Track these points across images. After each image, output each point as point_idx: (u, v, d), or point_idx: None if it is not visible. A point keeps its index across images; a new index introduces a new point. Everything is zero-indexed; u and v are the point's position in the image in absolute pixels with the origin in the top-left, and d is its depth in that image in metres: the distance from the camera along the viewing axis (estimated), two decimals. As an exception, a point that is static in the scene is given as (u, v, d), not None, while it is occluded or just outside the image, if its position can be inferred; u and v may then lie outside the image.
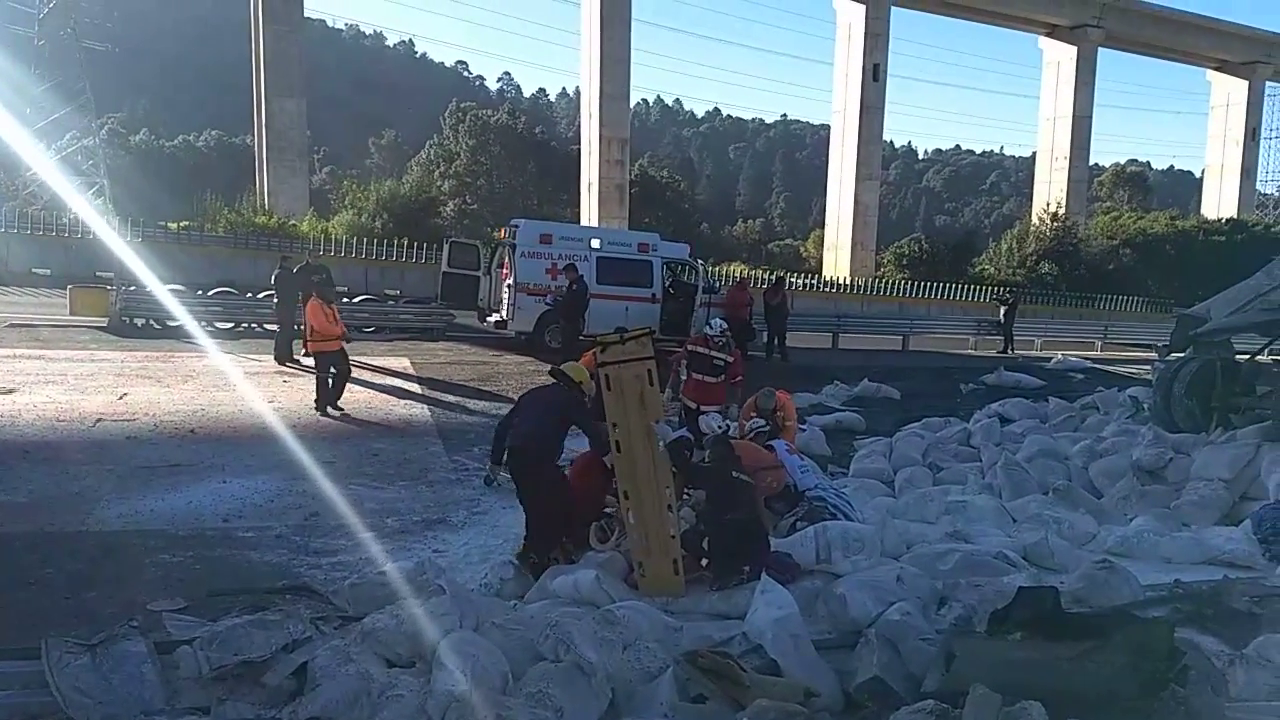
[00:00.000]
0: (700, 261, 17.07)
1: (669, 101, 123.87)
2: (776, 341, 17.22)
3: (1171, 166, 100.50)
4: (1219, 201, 49.41)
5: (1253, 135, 49.11)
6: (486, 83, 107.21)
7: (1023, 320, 23.55)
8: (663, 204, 48.77)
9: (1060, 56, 44.47)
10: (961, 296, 31.03)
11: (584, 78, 38.74)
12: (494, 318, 16.43)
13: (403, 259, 26.11)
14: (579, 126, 45.29)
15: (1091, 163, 50.18)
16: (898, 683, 4.02)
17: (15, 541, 5.90)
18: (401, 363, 13.68)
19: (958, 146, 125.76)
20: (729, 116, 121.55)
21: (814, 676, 4.08)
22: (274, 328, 14.09)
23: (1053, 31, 44.04)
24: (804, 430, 9.70)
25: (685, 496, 6.39)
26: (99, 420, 9.20)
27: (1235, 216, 44.99)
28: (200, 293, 16.20)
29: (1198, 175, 62.69)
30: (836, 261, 41.27)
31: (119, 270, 17.07)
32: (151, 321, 15.65)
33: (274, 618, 4.41)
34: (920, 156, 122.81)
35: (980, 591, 4.89)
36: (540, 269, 15.46)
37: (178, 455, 8.20)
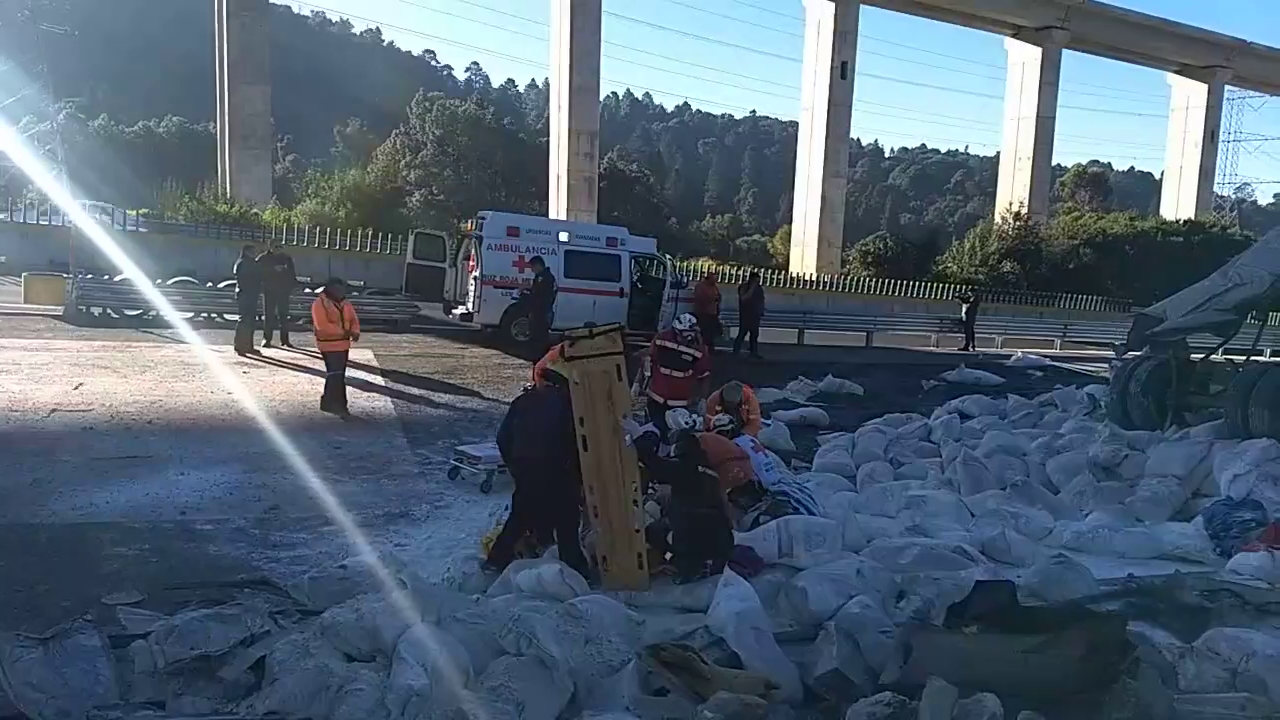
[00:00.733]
0: (668, 256, 17.09)
1: (639, 95, 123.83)
2: (748, 337, 17.33)
3: (1132, 168, 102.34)
4: (1177, 203, 50.38)
5: (1211, 138, 50.13)
6: (454, 73, 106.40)
7: (984, 318, 23.93)
8: (632, 198, 48.70)
9: (1025, 57, 45.03)
10: (925, 294, 31.39)
11: (553, 70, 38.52)
12: (460, 310, 16.34)
13: (367, 249, 25.81)
14: (548, 118, 45.07)
15: (1054, 163, 50.94)
16: (857, 675, 4.07)
17: (-34, 535, 5.77)
18: (365, 355, 13.53)
19: (924, 145, 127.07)
20: (699, 111, 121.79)
21: (774, 669, 4.12)
22: (235, 318, 13.88)
23: (1018, 32, 44.59)
24: (769, 425, 9.78)
25: (651, 491, 6.42)
26: (54, 411, 9.01)
27: (1193, 218, 45.90)
28: (159, 282, 15.89)
29: (1157, 177, 63.90)
30: (803, 258, 41.51)
31: (77, 258, 16.71)
32: (109, 310, 15.34)
33: (232, 611, 4.36)
34: (887, 154, 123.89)
35: (938, 585, 4.96)
36: (507, 261, 15.39)
37: (135, 447, 8.05)
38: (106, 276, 16.07)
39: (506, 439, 5.83)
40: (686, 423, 6.26)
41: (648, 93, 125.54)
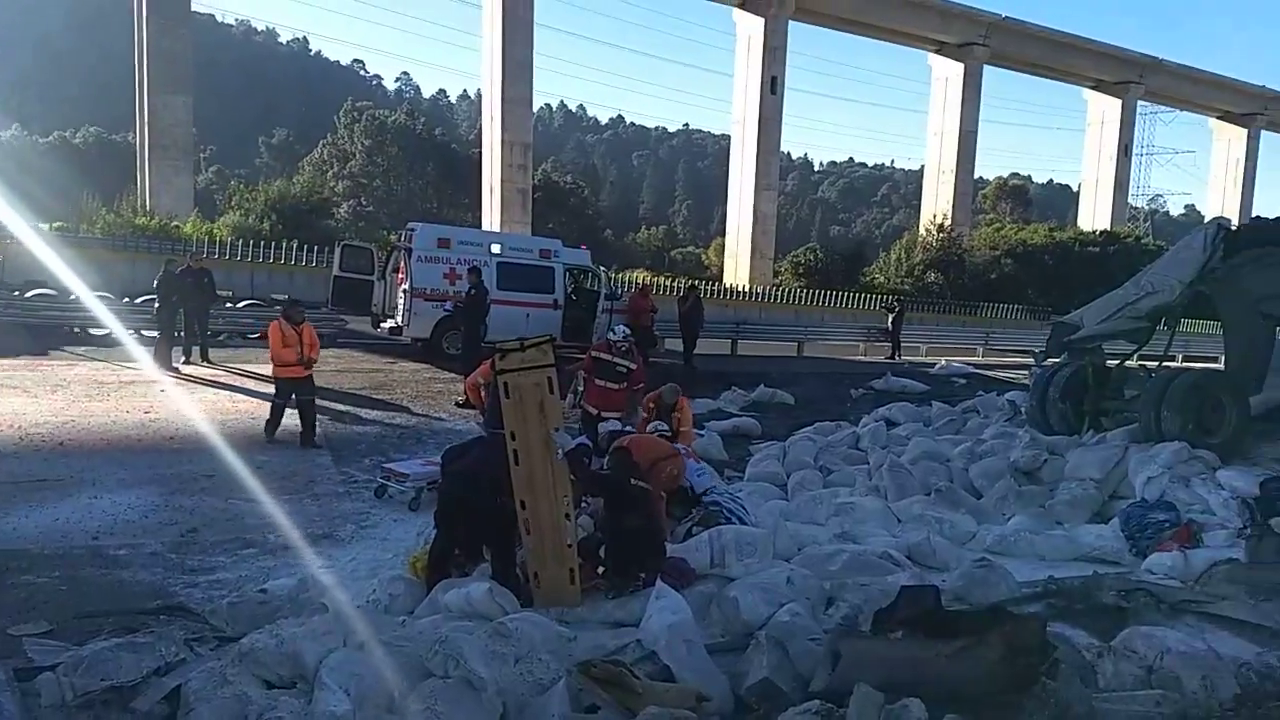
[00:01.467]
0: (603, 268, 17.09)
1: (572, 107, 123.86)
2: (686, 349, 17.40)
3: (1051, 180, 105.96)
4: (1094, 214, 52.40)
5: (1125, 151, 52.29)
6: (384, 82, 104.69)
7: (909, 327, 24.49)
8: (566, 210, 48.67)
9: (948, 73, 46.43)
10: (853, 304, 32.03)
11: (485, 81, 38.30)
12: (388, 324, 16.04)
13: (292, 262, 25.20)
14: (480, 129, 44.76)
15: (976, 175, 52.56)
16: (786, 683, 4.10)
17: None
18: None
19: (851, 159, 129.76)
20: (632, 124, 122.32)
21: (706, 680, 4.12)
22: (154, 334, 13.40)
23: (941, 49, 45.97)
24: (702, 435, 9.83)
25: (584, 504, 6.39)
26: (-47, 434, 8.56)
27: (1109, 229, 47.74)
28: (73, 297, 15.25)
29: (1075, 189, 66.40)
30: (737, 269, 42.00)
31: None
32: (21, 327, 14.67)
33: (145, 640, 4.20)
34: (817, 168, 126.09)
35: (866, 591, 5.04)
36: (438, 274, 15.19)
37: (44, 469, 7.70)
38: (15, 292, 15.41)
39: (452, 458, 5.77)
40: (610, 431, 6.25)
41: (581, 105, 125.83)
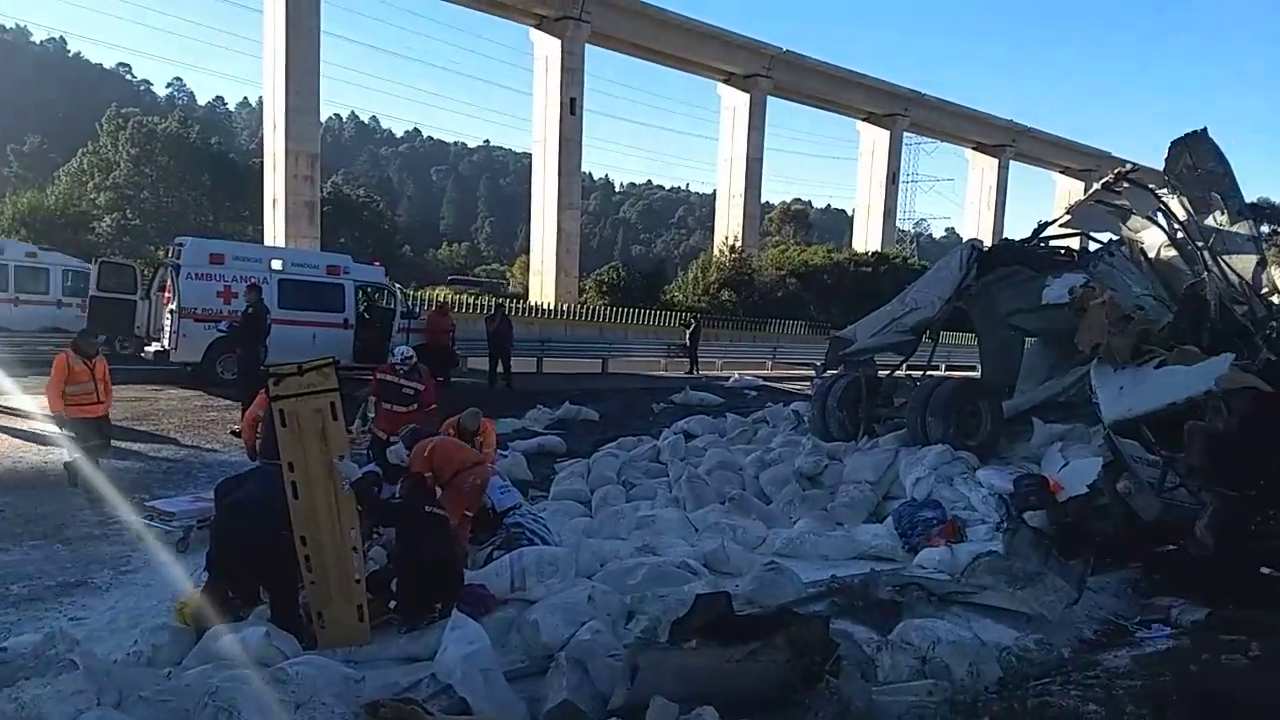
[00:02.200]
0: (398, 285, 16.48)
1: (365, 119, 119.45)
2: (500, 368, 17.02)
3: (829, 205, 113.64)
4: (866, 236, 56.73)
5: (893, 179, 56.99)
6: (154, 88, 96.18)
7: (706, 343, 25.44)
8: (360, 224, 46.81)
9: (736, 102, 48.87)
10: (655, 322, 32.85)
11: (267, 88, 36.08)
12: (154, 347, 14.65)
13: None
14: (262, 138, 42.15)
15: (763, 200, 55.62)
16: (587, 703, 4.05)
17: None
18: (38, 401, 11.73)
19: (649, 181, 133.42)
20: (430, 138, 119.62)
21: (504, 709, 4.01)
22: None
23: (729, 79, 48.32)
24: (506, 456, 9.65)
25: (376, 535, 6.06)
26: None
27: (880, 250, 51.92)
28: None
29: (849, 213, 71.63)
30: (542, 287, 41.98)
31: None
32: None
33: None
34: (618, 189, 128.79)
35: (664, 602, 5.09)
36: (210, 292, 14.06)
37: None
38: None
39: (226, 491, 5.28)
40: (401, 459, 5.97)
41: (375, 116, 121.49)
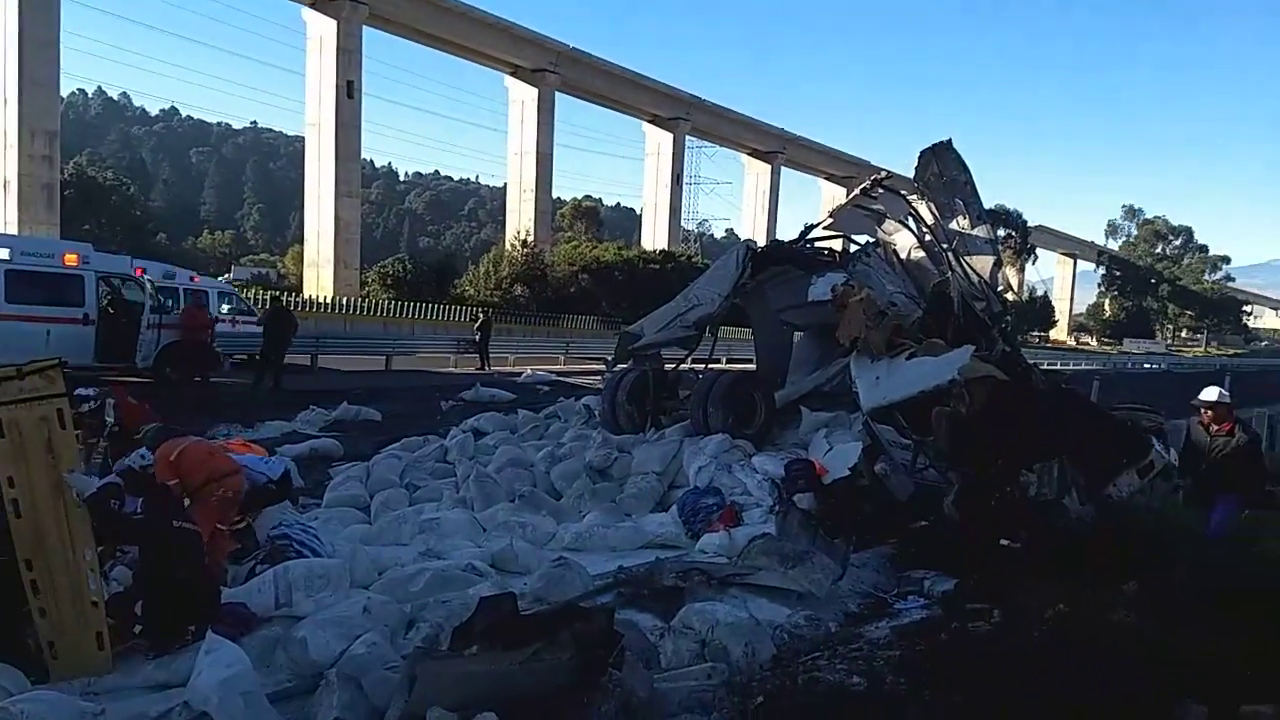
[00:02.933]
0: (148, 277, 14.92)
1: (114, 95, 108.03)
2: (270, 367, 15.71)
3: (619, 203, 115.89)
4: (654, 235, 58.51)
5: (677, 180, 59.06)
6: None
7: (498, 339, 25.12)
8: (108, 209, 42.29)
9: (524, 96, 48.68)
10: (444, 316, 32.07)
11: (-5, 58, 31.73)
12: None
13: None
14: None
15: (555, 195, 55.83)
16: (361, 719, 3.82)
17: None
18: None
19: (437, 172, 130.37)
20: (189, 118, 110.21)
21: (268, 735, 3.69)
22: None
23: (516, 72, 48.03)
24: (270, 462, 8.93)
25: (121, 553, 5.42)
26: None
27: (667, 248, 53.66)
28: None
29: (638, 212, 73.42)
30: (319, 279, 39.77)
31: None
32: None
33: None
34: (402, 178, 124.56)
35: (448, 607, 4.91)
36: None
37: None
38: None
39: None
40: (145, 463, 5.32)
41: (125, 93, 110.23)
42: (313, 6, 38.55)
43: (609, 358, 12.29)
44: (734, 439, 8.97)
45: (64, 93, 36.51)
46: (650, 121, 57.79)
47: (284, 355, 15.94)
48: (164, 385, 14.02)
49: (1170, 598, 4.82)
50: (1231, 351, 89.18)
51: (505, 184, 54.92)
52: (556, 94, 49.56)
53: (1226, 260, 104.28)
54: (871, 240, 11.15)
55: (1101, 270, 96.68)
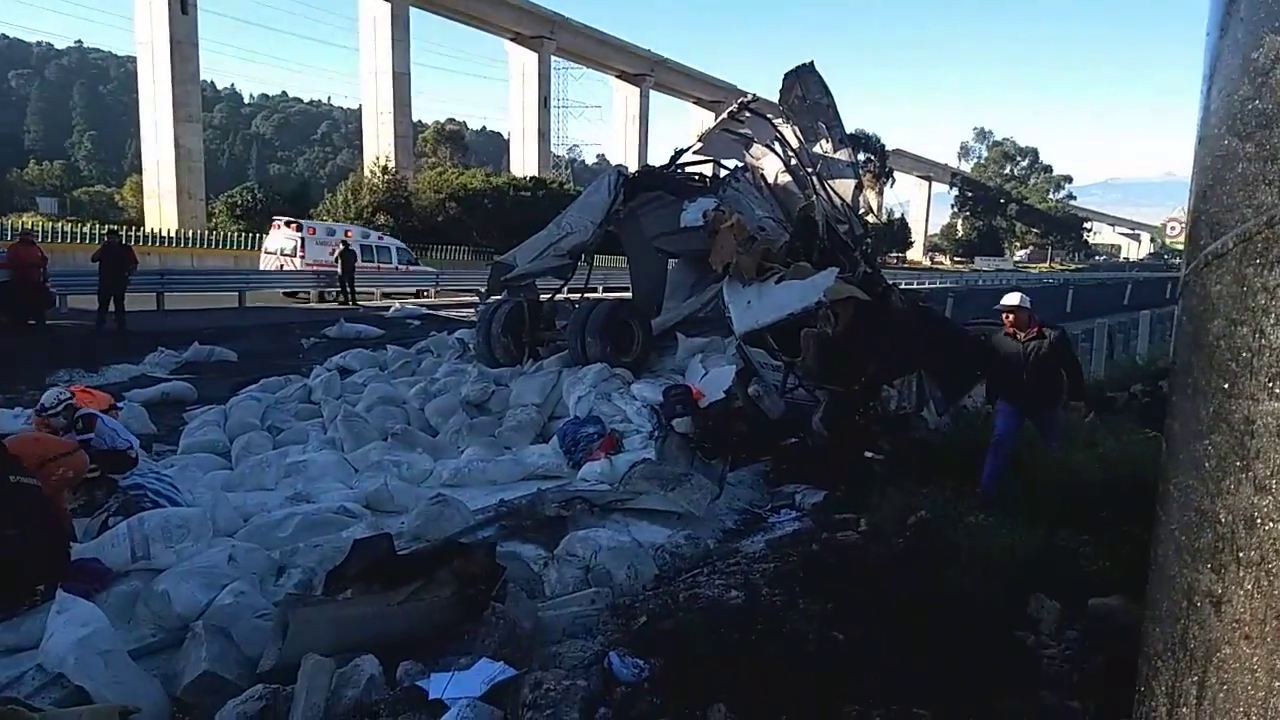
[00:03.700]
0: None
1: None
2: (111, 308, 14.42)
3: (484, 127, 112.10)
4: (524, 161, 56.99)
5: (544, 103, 57.41)
6: None
7: (363, 271, 24.04)
8: (-91, 138, 37.76)
9: (376, 13, 45.92)
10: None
11: None
12: None
13: None
14: None
15: (416, 119, 53.41)
16: (232, 671, 3.68)
17: None
18: None
19: (285, 93, 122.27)
20: (4, 36, 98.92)
21: (132, 691, 3.52)
22: None
23: (366, -14, 45.20)
24: (121, 408, 8.37)
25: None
26: None
27: (537, 175, 52.39)
28: None
29: (506, 136, 71.21)
30: (161, 212, 36.98)
31: None
32: None
33: None
34: (246, 101, 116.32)
35: (320, 551, 4.77)
36: None
37: None
38: None
39: None
40: None
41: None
42: (134, -91, 34.97)
43: (482, 289, 12.03)
44: (612, 368, 9.00)
45: None
46: (513, 39, 55.74)
47: (123, 293, 14.72)
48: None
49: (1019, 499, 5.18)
50: (1074, 266, 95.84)
51: (360, 106, 52.13)
52: (411, 9, 47.03)
53: (1069, 179, 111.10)
54: (740, 165, 11.21)
55: (954, 192, 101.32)
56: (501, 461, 7.45)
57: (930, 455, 6.61)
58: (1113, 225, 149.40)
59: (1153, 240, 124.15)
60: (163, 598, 4.19)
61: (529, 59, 56.06)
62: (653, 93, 67.37)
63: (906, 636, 3.48)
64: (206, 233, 32.41)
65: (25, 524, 4.27)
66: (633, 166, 17.92)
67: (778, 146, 10.81)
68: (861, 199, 11.01)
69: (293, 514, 5.44)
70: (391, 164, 43.47)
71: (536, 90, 56.18)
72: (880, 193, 73.07)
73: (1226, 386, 1.66)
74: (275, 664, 3.55)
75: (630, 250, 12.38)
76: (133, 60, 45.63)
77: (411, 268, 27.10)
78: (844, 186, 10.62)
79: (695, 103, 72.28)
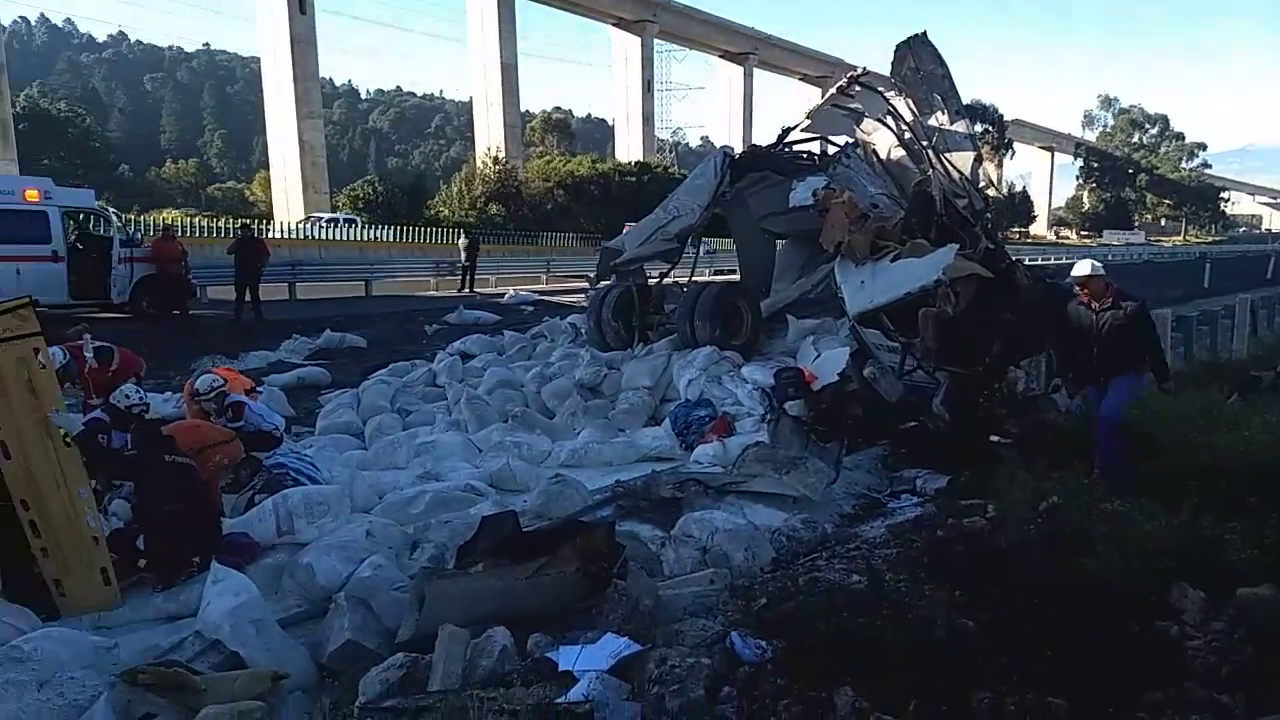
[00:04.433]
0: (114, 210, 14.48)
1: (58, 22, 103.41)
2: (248, 299, 15.36)
3: (589, 115, 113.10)
4: (629, 146, 57.21)
5: (648, 87, 57.47)
6: None
7: (480, 260, 24.67)
8: (65, 143, 40.99)
9: (483, 5, 46.84)
10: (420, 239, 31.49)
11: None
12: None
13: None
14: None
15: (523, 109, 54.30)
16: (373, 641, 3.90)
17: None
18: None
19: (399, 88, 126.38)
20: (139, 43, 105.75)
21: (282, 658, 3.78)
22: None
23: (474, -22, 46.07)
24: (261, 393, 8.90)
25: (117, 486, 5.42)
26: None
27: (642, 159, 52.50)
28: None
29: (610, 122, 71.65)
30: (289, 205, 38.92)
31: None
32: None
33: None
34: (364, 96, 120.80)
35: (450, 527, 4.98)
36: None
37: None
38: None
39: None
40: (130, 403, 5.21)
41: (69, 19, 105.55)
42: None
43: (592, 275, 12.15)
44: (722, 351, 8.99)
45: (5, 21, 34.68)
46: (616, 25, 55.88)
47: (259, 283, 15.61)
48: (142, 320, 13.82)
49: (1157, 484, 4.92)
50: (1211, 239, 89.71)
51: (471, 99, 53.32)
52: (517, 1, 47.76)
53: (1203, 147, 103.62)
54: (850, 141, 10.96)
55: (1079, 162, 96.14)
56: (616, 443, 7.58)
57: (1062, 439, 6.33)
58: (1252, 195, 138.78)
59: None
60: (307, 570, 4.46)
61: (631, 43, 56.10)
62: (757, 71, 66.38)
63: (1040, 626, 3.37)
64: (333, 225, 33.84)
65: (183, 500, 4.63)
66: (738, 147, 17.69)
67: (890, 120, 10.52)
68: (980, 172, 10.61)
69: (423, 491, 5.69)
70: (502, 154, 44.34)
71: (640, 74, 56.21)
72: (1000, 165, 70.08)
73: None
74: (413, 634, 3.73)
75: (737, 232, 12.29)
76: (257, 61, 48.02)
77: None
78: (962, 160, 10.26)
79: (801, 79, 70.84)
